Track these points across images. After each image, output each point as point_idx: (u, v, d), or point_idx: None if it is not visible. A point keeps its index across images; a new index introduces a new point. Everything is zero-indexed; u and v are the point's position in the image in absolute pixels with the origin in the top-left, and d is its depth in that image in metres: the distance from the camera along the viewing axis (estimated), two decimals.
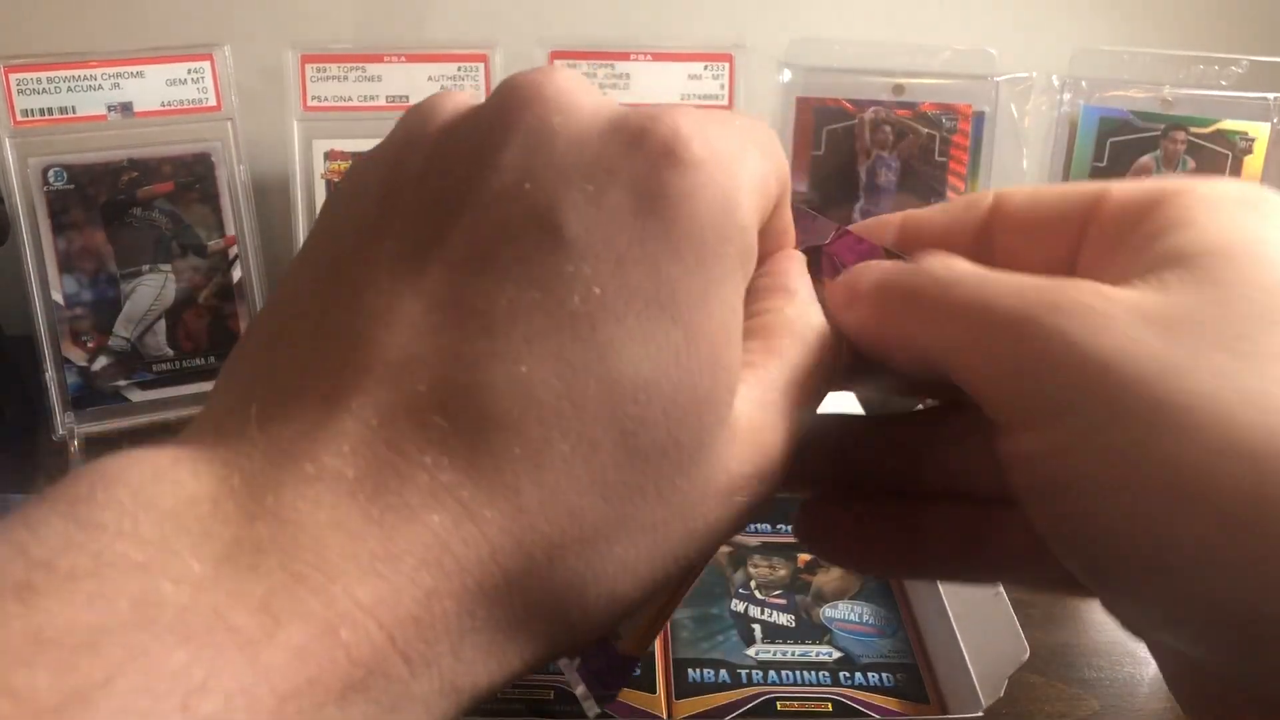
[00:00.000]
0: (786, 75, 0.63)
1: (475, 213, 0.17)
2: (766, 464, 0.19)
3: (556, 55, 0.61)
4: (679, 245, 0.17)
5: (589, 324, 0.16)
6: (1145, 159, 0.62)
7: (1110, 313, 0.17)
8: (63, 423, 0.57)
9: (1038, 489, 0.18)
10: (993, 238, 0.23)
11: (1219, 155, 0.61)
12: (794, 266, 0.22)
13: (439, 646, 0.15)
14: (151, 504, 0.14)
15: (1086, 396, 0.17)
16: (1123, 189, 0.21)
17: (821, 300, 0.22)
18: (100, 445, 0.57)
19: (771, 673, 0.40)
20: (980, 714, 0.36)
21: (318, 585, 0.14)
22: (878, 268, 0.21)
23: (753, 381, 0.19)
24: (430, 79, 0.61)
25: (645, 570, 0.17)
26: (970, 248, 0.22)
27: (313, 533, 0.14)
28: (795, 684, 0.39)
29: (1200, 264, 0.18)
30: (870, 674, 0.40)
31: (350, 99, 0.60)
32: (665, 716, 0.38)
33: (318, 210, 0.60)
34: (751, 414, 0.18)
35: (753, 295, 0.20)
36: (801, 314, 0.21)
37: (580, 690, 0.27)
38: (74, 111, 0.56)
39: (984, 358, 0.19)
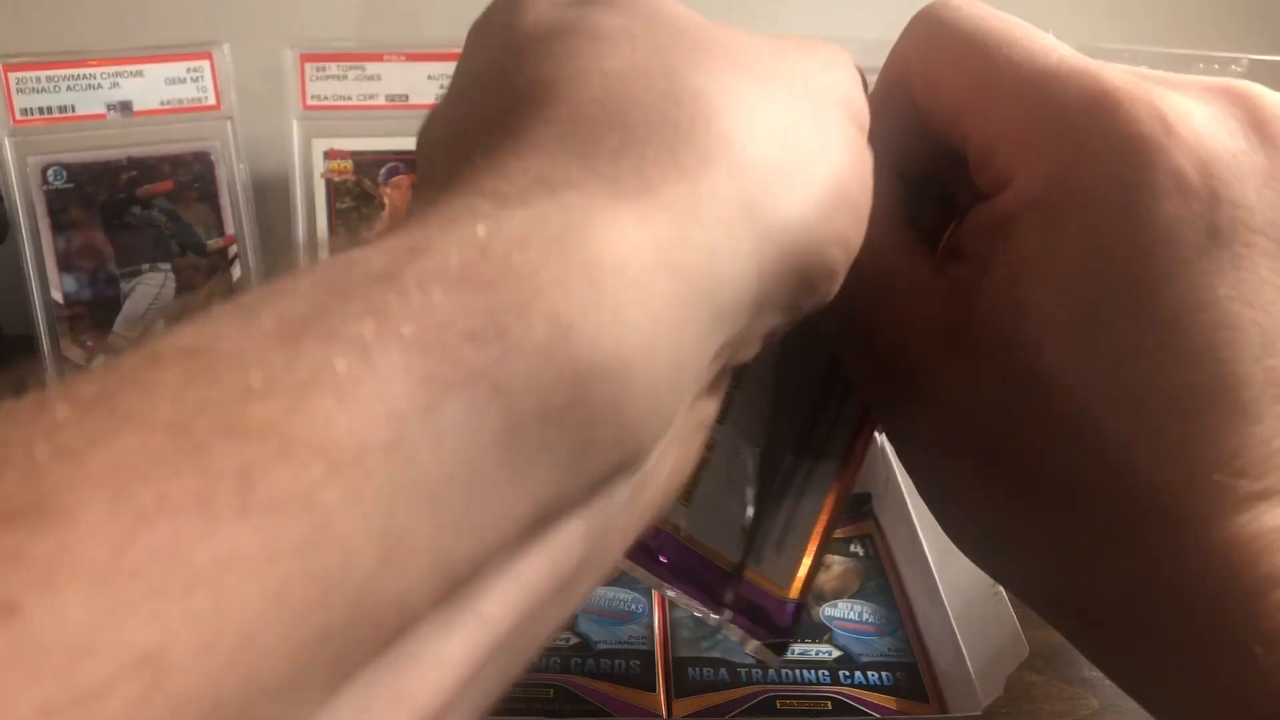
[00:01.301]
0: None
1: None
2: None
3: None
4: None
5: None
6: None
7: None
8: None
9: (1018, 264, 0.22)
10: None
11: None
12: None
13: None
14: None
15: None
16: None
17: None
18: None
19: (771, 671, 0.40)
20: (979, 713, 0.36)
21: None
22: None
23: None
24: (430, 78, 0.61)
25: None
26: None
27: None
28: (795, 683, 0.39)
29: None
30: (870, 673, 0.40)
31: (350, 98, 0.60)
32: (665, 715, 0.38)
33: (318, 209, 0.60)
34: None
35: None
36: None
37: (753, 646, 0.28)
38: (73, 110, 0.56)
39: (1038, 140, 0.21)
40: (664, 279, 0.16)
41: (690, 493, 0.27)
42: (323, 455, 0.12)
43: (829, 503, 0.27)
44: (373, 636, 0.12)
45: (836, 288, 0.21)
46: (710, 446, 0.27)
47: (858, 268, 0.21)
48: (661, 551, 0.27)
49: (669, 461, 0.19)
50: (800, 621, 0.27)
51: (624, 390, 0.15)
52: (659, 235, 0.16)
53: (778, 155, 0.18)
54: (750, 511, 0.27)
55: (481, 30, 0.22)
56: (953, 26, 0.23)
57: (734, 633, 0.28)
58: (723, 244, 0.17)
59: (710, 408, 0.21)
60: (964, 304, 0.22)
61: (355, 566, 0.12)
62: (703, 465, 0.27)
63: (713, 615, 0.28)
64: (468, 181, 0.16)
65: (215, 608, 0.10)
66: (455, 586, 0.14)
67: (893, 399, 0.24)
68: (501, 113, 0.18)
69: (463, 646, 0.14)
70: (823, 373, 0.27)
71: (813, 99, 0.20)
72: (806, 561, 0.27)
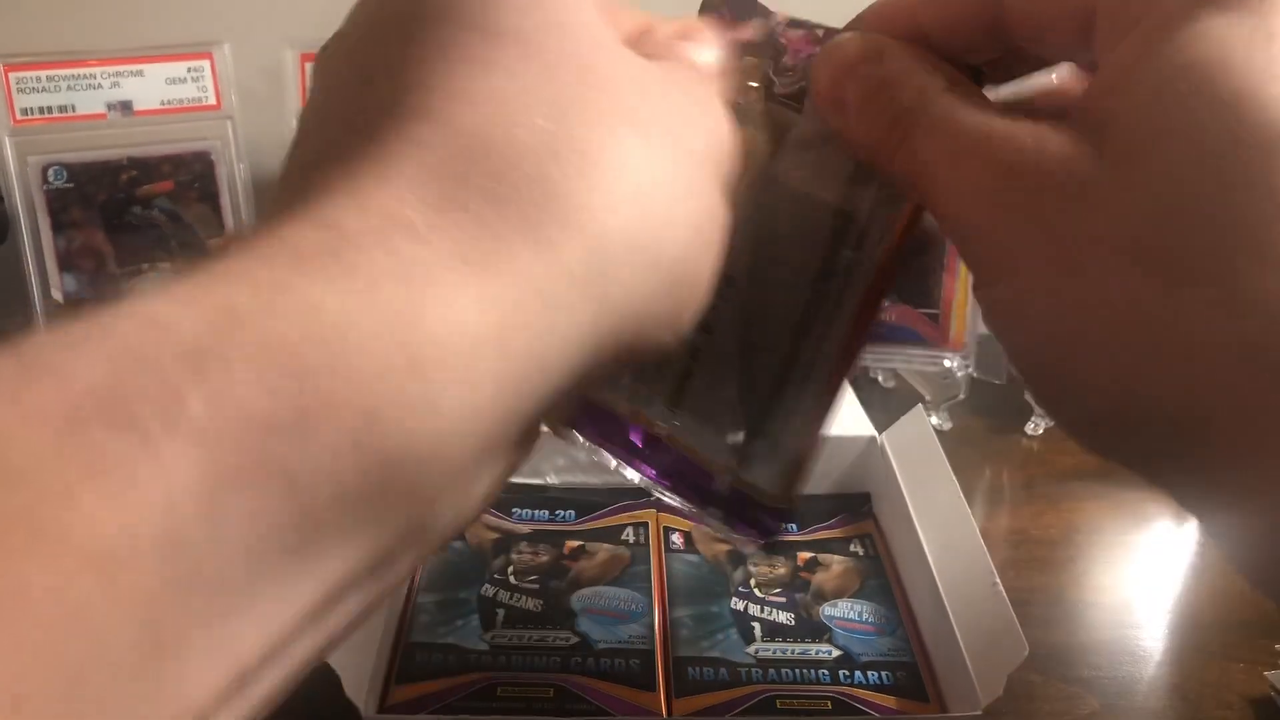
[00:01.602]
0: None
1: None
2: None
3: None
4: None
5: None
6: None
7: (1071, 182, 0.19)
8: None
9: (1017, 324, 0.21)
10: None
11: None
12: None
13: None
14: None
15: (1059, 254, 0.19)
16: None
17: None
18: None
19: (771, 671, 0.40)
20: (979, 712, 0.36)
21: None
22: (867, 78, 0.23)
23: None
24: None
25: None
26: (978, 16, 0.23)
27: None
28: (795, 682, 0.39)
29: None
30: (870, 672, 0.40)
31: None
32: (665, 715, 0.38)
33: None
34: None
35: None
36: None
37: (738, 539, 0.28)
38: (73, 110, 0.56)
39: (983, 207, 0.21)
40: (493, 364, 0.15)
41: (678, 398, 0.27)
42: (78, 550, 0.11)
43: (823, 404, 0.27)
44: None
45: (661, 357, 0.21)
46: (694, 355, 0.27)
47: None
48: (649, 455, 0.27)
49: (479, 489, 0.18)
50: (786, 522, 0.27)
51: (428, 471, 0.15)
52: (500, 317, 0.16)
53: (635, 230, 0.18)
54: (739, 416, 0.26)
55: None
56: None
57: (719, 527, 0.27)
58: (563, 321, 0.17)
59: (519, 450, 0.19)
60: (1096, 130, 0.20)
61: (112, 660, 0.11)
62: (689, 373, 0.27)
63: (697, 510, 0.27)
64: (320, 201, 0.16)
65: None
66: (243, 675, 0.13)
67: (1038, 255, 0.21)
68: (376, 118, 0.17)
69: (230, 716, 0.14)
70: (815, 273, 0.26)
71: (681, 157, 0.19)
72: (798, 464, 0.27)
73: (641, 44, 0.21)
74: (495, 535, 0.47)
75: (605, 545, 0.46)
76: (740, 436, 0.27)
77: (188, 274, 0.14)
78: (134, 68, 0.57)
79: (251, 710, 0.14)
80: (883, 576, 0.46)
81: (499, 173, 0.16)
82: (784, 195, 0.26)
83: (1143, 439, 0.20)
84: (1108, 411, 0.20)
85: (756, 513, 0.27)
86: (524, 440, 0.18)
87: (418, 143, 0.17)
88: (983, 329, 0.54)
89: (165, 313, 0.13)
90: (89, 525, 0.11)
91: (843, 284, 0.26)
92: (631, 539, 0.47)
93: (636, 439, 0.27)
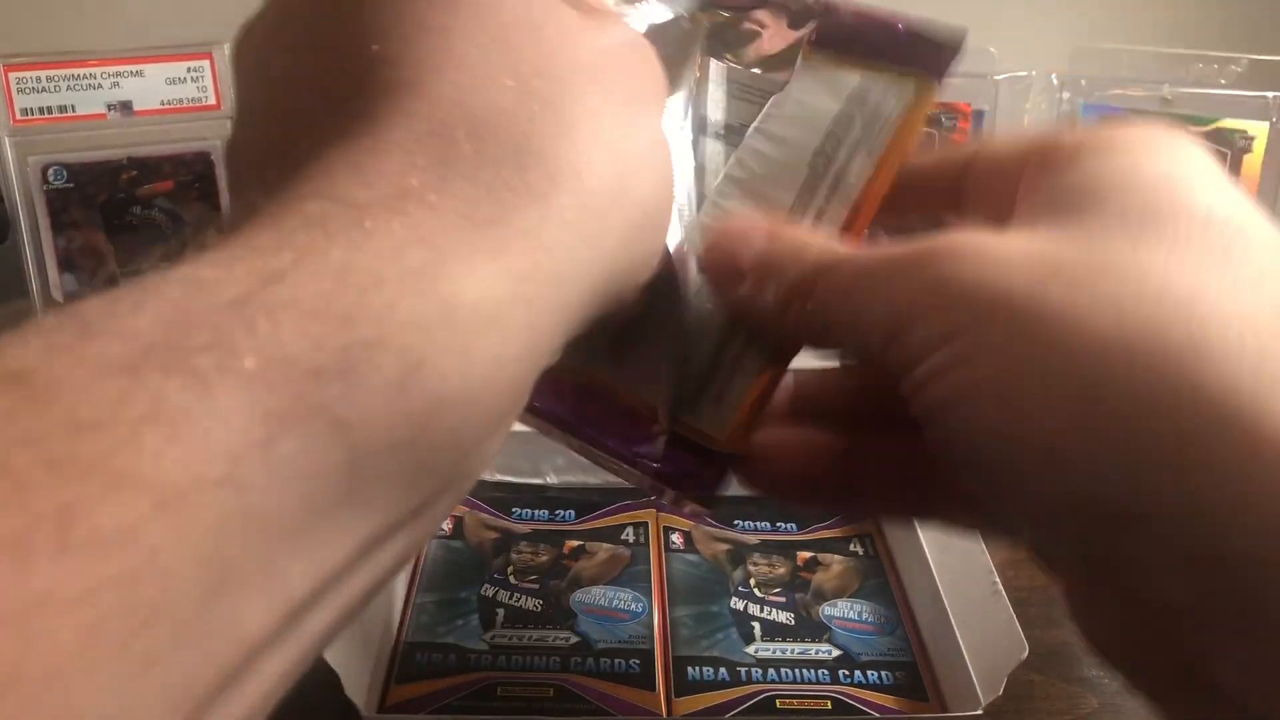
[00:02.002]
0: None
1: None
2: None
3: None
4: None
5: None
6: None
7: (983, 251, 0.20)
8: None
9: (935, 408, 0.20)
10: (967, 185, 0.25)
11: (1218, 154, 0.61)
12: None
13: None
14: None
15: (976, 320, 0.20)
16: (1048, 137, 0.23)
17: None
18: None
19: (771, 670, 0.40)
20: (979, 712, 0.36)
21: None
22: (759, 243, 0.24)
23: None
24: None
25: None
26: (947, 194, 0.25)
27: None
28: (795, 682, 0.39)
29: (1072, 203, 0.21)
30: (870, 672, 0.40)
31: None
32: (665, 714, 0.38)
33: None
34: None
35: None
36: None
37: (687, 506, 0.27)
38: (73, 110, 0.56)
39: (878, 311, 0.21)
40: (515, 313, 0.16)
41: (618, 346, 0.26)
42: (149, 490, 0.12)
43: (774, 349, 0.26)
44: (204, 664, 0.13)
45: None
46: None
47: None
48: (581, 407, 0.27)
49: (499, 440, 0.19)
50: (729, 477, 0.26)
51: (465, 418, 0.16)
52: (513, 268, 0.16)
53: (614, 180, 0.19)
54: (686, 358, 0.26)
55: None
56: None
57: (664, 494, 0.26)
58: (568, 271, 0.18)
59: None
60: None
61: (180, 597, 0.12)
62: (632, 320, 0.26)
63: (633, 472, 0.26)
64: (321, 178, 0.16)
65: (22, 646, 0.11)
66: (295, 614, 0.14)
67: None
68: (350, 94, 0.18)
69: (283, 662, 0.14)
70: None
71: (636, 105, 0.21)
72: (745, 409, 0.25)
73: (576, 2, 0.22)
74: (495, 535, 0.47)
75: (605, 545, 0.46)
76: (687, 380, 0.26)
77: (214, 248, 0.15)
78: (134, 68, 0.57)
79: (300, 652, 0.15)
80: (882, 576, 0.46)
81: (485, 137, 0.17)
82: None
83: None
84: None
85: (697, 462, 0.26)
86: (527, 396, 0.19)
87: (404, 113, 0.17)
88: None
89: (209, 275, 0.14)
90: (155, 467, 0.12)
91: None
92: (631, 539, 0.47)
93: (563, 390, 0.27)
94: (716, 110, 0.28)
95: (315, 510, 0.14)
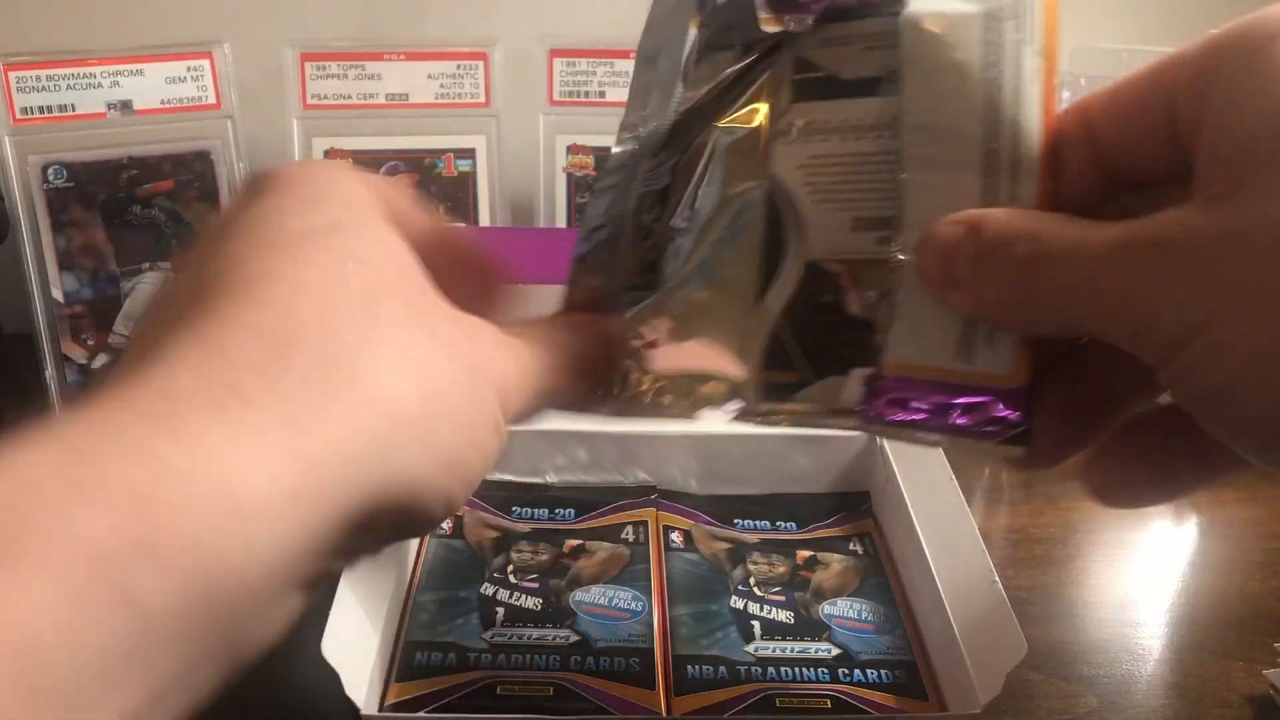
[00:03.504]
0: None
1: None
2: None
3: (556, 53, 0.61)
4: None
5: None
6: None
7: (1217, 230, 0.20)
8: None
9: (1202, 396, 0.21)
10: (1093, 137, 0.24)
11: None
12: None
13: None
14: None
15: (1231, 306, 0.20)
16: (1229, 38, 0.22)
17: None
18: None
19: (771, 669, 0.40)
20: (978, 711, 0.36)
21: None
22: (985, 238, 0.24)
23: None
24: (430, 77, 0.61)
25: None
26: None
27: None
28: (794, 680, 0.40)
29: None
30: (869, 670, 0.40)
31: (350, 97, 0.60)
32: (665, 713, 0.38)
33: None
34: None
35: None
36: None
37: (998, 450, 0.27)
38: (73, 109, 0.56)
39: (1119, 304, 0.21)
40: (301, 512, 0.18)
41: (887, 325, 0.27)
42: None
43: None
44: None
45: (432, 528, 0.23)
46: (891, 287, 0.27)
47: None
48: (907, 394, 0.27)
49: (281, 615, 0.21)
50: (1034, 406, 0.26)
51: (242, 597, 0.18)
52: (307, 473, 0.19)
53: (415, 410, 0.21)
54: (947, 320, 0.26)
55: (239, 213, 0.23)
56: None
57: (970, 443, 0.27)
58: (356, 483, 0.19)
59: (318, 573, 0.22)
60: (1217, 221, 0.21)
61: None
62: (892, 302, 0.27)
63: (938, 437, 0.27)
64: (157, 363, 0.19)
65: None
66: None
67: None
68: (202, 302, 0.20)
69: None
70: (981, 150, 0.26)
71: (458, 362, 0.22)
72: (1019, 338, 0.26)
73: (433, 252, 0.24)
74: (495, 534, 0.47)
75: (605, 544, 0.46)
76: (956, 337, 0.26)
77: (45, 425, 0.17)
78: (134, 67, 0.57)
79: None
80: (882, 575, 0.46)
81: (310, 353, 0.20)
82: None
83: None
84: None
85: (994, 405, 0.26)
86: (318, 581, 0.21)
87: (245, 325, 0.20)
88: None
89: (19, 459, 0.16)
90: None
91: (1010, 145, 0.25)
92: (631, 538, 0.47)
93: (891, 386, 0.27)
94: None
95: (106, 673, 0.16)
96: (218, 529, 0.17)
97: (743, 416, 0.30)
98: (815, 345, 0.29)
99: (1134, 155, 0.24)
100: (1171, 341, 0.21)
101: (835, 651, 0.41)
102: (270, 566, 0.18)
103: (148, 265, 0.59)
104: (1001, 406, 0.26)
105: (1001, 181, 0.25)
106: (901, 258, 0.27)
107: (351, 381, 0.20)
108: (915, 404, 0.27)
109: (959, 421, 0.26)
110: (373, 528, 0.20)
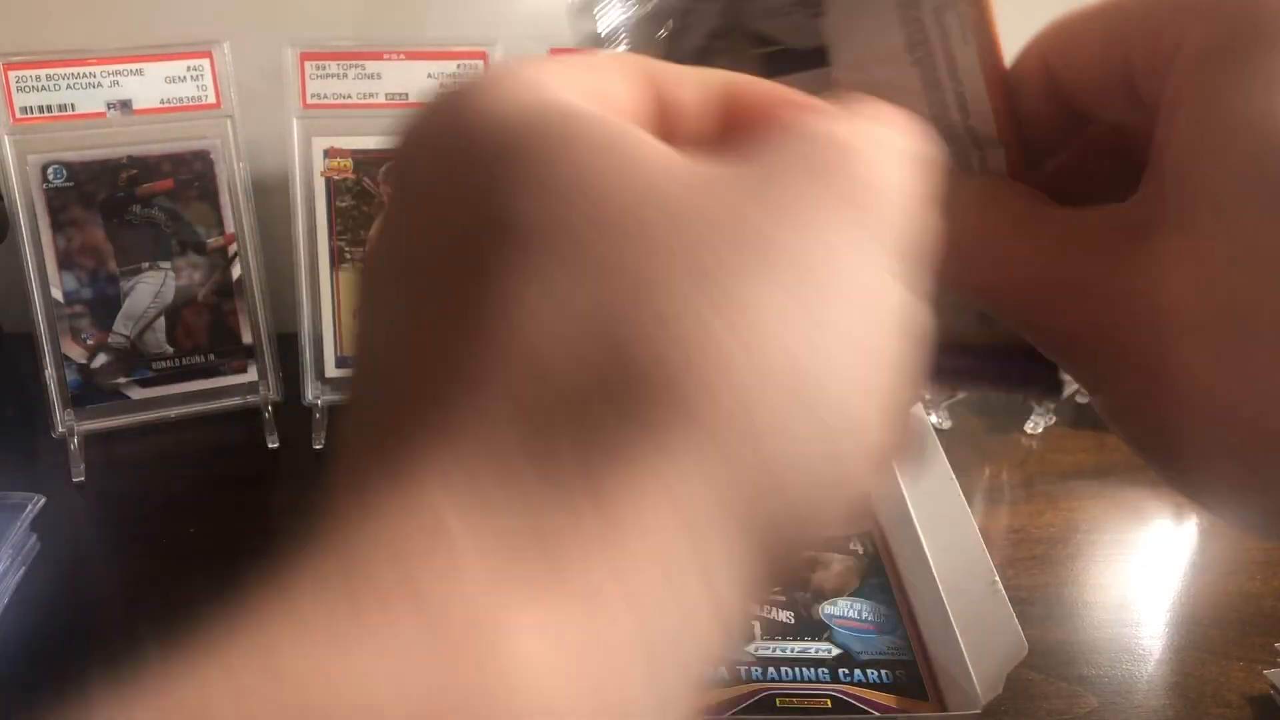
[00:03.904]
0: None
1: None
2: None
3: (556, 52, 0.61)
4: None
5: None
6: None
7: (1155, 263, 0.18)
8: (62, 420, 0.57)
9: (1141, 433, 0.19)
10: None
11: None
12: None
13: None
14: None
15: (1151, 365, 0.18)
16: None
17: None
18: (99, 442, 0.57)
19: (771, 669, 0.40)
20: (978, 710, 0.36)
21: None
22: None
23: None
24: (430, 76, 0.61)
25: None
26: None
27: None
28: (794, 680, 0.40)
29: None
30: (869, 670, 0.40)
31: (350, 96, 0.60)
32: None
33: (317, 207, 0.60)
34: None
35: None
36: None
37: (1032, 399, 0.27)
38: (73, 109, 0.56)
39: (1058, 334, 0.20)
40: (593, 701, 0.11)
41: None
42: None
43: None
44: None
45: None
46: None
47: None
48: (973, 363, 0.27)
49: None
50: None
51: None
52: (594, 649, 0.12)
53: (784, 461, 0.13)
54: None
55: (438, 165, 0.15)
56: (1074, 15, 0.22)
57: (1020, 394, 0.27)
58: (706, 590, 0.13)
59: None
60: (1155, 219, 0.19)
61: None
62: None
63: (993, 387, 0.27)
64: (411, 472, 0.12)
65: None
66: None
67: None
68: (448, 344, 0.14)
69: None
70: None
71: (856, 320, 0.14)
72: None
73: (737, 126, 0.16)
74: None
75: None
76: (974, 310, 0.26)
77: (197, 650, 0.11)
78: (134, 66, 0.57)
79: None
80: (882, 575, 0.46)
81: (559, 443, 0.12)
82: None
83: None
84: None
85: (1032, 364, 0.27)
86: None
87: (493, 395, 0.13)
88: None
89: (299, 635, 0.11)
90: None
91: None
92: None
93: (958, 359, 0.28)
94: None
95: None
96: None
97: None
98: None
99: (1093, 97, 0.22)
100: (1106, 374, 0.20)
101: (835, 651, 0.41)
102: None
103: (147, 265, 0.59)
104: (1030, 366, 0.26)
105: (968, 147, 0.25)
106: None
107: (652, 423, 0.12)
108: (950, 372, 0.27)
109: (995, 383, 0.27)
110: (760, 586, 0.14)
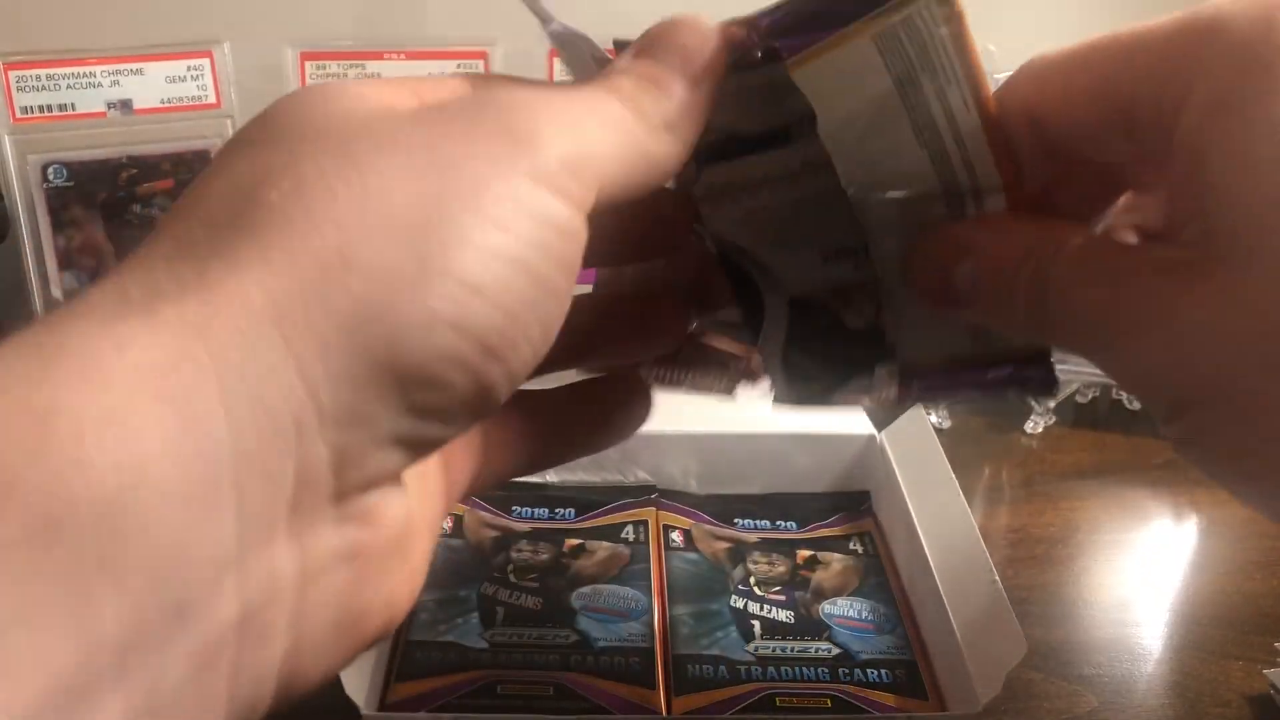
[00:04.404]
0: None
1: None
2: None
3: (556, 54, 0.61)
4: None
5: None
6: None
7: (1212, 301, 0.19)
8: None
9: (1220, 456, 0.21)
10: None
11: None
12: None
13: None
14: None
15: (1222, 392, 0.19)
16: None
17: None
18: None
19: (771, 668, 0.40)
20: (978, 710, 0.36)
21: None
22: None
23: None
24: (430, 76, 0.61)
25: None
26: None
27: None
28: (794, 680, 0.40)
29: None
30: (869, 670, 0.40)
31: None
32: (664, 712, 0.38)
33: None
34: None
35: None
36: None
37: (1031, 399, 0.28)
38: (73, 109, 0.56)
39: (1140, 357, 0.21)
40: (157, 416, 0.15)
41: (895, 328, 0.27)
42: None
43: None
44: None
45: (499, 393, 0.19)
46: (878, 292, 0.27)
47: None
48: (906, 387, 0.28)
49: (318, 597, 0.18)
50: (1048, 364, 0.26)
51: (126, 527, 0.14)
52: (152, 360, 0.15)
53: (365, 233, 0.17)
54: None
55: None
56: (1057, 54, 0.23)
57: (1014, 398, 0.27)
58: (240, 360, 0.16)
59: (357, 535, 0.19)
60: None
61: None
62: (892, 305, 0.27)
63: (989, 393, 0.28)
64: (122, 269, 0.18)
65: None
66: None
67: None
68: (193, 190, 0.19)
69: None
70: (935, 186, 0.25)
71: (467, 191, 0.18)
72: None
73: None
74: (495, 533, 0.47)
75: (605, 543, 0.46)
76: (967, 326, 0.27)
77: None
78: (134, 66, 0.57)
79: None
80: (882, 574, 0.46)
81: (200, 223, 0.18)
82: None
83: None
84: None
85: (1025, 372, 0.27)
86: (350, 497, 0.18)
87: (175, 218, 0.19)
88: None
89: None
90: None
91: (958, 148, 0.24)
92: (631, 537, 0.47)
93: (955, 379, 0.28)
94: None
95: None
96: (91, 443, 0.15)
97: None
98: (829, 359, 0.29)
99: (1085, 140, 0.23)
100: (1183, 400, 0.20)
101: (835, 651, 0.41)
102: (148, 485, 0.15)
103: None
104: (1028, 371, 0.26)
105: (966, 198, 0.24)
106: (888, 280, 0.27)
107: (249, 242, 0.17)
108: (946, 385, 0.28)
109: (991, 389, 0.27)
110: (362, 410, 0.17)
